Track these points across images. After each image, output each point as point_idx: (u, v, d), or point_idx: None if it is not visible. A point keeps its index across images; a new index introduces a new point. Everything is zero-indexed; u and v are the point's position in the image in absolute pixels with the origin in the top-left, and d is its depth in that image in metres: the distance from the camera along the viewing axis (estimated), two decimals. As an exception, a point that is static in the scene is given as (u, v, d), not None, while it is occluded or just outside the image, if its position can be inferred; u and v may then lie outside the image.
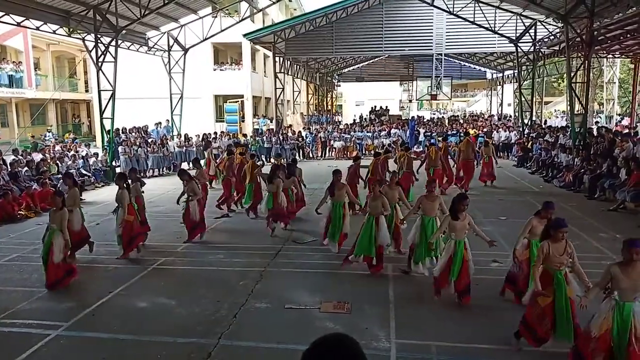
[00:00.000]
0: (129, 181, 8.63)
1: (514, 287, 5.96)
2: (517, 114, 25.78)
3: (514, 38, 21.65)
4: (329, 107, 41.65)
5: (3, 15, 13.92)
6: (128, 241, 8.12)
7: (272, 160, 18.31)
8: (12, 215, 11.06)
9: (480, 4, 20.39)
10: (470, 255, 5.89)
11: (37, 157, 14.70)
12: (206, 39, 21.18)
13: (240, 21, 21.53)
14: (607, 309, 4.08)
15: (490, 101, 41.05)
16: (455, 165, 13.94)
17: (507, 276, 6.12)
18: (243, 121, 26.80)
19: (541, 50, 22.52)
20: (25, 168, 13.43)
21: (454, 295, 5.98)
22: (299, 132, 23.30)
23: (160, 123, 22.02)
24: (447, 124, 26.56)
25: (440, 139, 19.44)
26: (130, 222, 8.09)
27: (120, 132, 19.18)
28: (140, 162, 17.48)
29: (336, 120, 35.81)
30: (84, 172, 15.42)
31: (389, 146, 21.76)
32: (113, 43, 16.45)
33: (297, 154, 21.63)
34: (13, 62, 24.88)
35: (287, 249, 8.53)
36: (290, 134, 22.53)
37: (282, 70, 26.35)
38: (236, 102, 25.99)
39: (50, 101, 25.98)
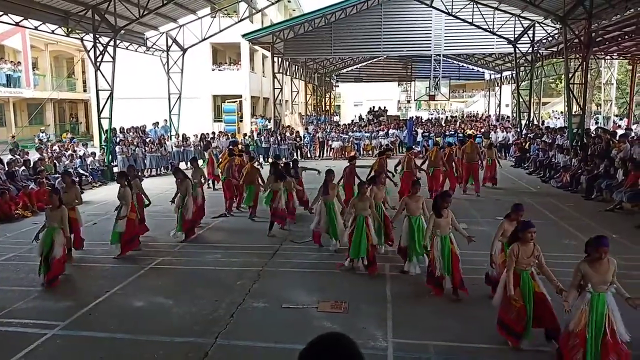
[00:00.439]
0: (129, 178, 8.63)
1: (492, 287, 6.03)
2: (515, 115, 25.82)
3: (512, 39, 21.69)
4: (327, 107, 41.66)
5: (1, 15, 13.88)
6: (129, 240, 8.13)
7: (270, 160, 18.27)
8: (9, 215, 11.03)
9: (479, 5, 20.43)
10: (457, 248, 6.14)
11: (35, 156, 14.69)
12: (205, 39, 21.17)
13: (239, 21, 21.51)
14: (584, 303, 4.18)
15: (489, 102, 41.12)
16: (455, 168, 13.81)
17: (487, 279, 6.28)
18: (241, 121, 26.79)
19: (539, 51, 22.56)
20: (23, 167, 13.40)
21: (450, 293, 6.11)
22: (297, 132, 23.29)
23: (158, 123, 22.01)
24: (443, 124, 26.59)
25: (438, 139, 19.50)
26: (133, 219, 8.13)
27: (118, 131, 19.16)
28: (137, 161, 17.44)
29: (334, 120, 35.86)
30: (81, 171, 15.38)
31: (386, 146, 21.83)
32: (111, 43, 16.42)
33: (295, 154, 21.63)
34: (11, 61, 24.84)
35: (285, 248, 8.52)
36: (288, 134, 22.54)
37: (281, 71, 26.36)
38: (234, 102, 25.99)
39: (48, 101, 25.92)
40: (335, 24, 24.44)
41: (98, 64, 16.22)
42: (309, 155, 23.12)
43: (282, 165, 10.74)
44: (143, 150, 18.17)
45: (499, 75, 35.78)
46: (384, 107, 37.71)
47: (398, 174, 11.63)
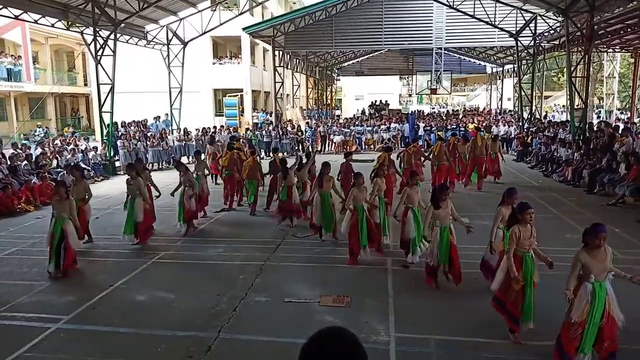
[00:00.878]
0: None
1: (488, 274, 6.09)
2: (516, 109, 25.74)
3: (514, 32, 21.57)
4: (329, 101, 41.56)
5: (1, 8, 13.82)
6: (146, 228, 8.33)
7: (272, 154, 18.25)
8: (11, 209, 11.06)
9: (481, -2, 20.30)
10: (455, 239, 6.21)
11: (38, 151, 14.71)
12: (205, 32, 21.07)
13: (239, 15, 21.40)
14: (587, 294, 4.19)
15: (490, 95, 40.97)
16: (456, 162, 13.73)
17: (482, 265, 6.36)
18: (242, 115, 26.74)
19: (541, 44, 22.43)
20: (25, 162, 13.42)
21: (445, 282, 6.28)
22: (298, 126, 23.25)
23: (159, 117, 21.98)
24: (444, 117, 26.50)
25: (440, 133, 19.44)
26: (148, 209, 8.26)
27: (120, 126, 19.14)
28: (139, 156, 17.41)
29: (335, 114, 35.78)
30: (83, 165, 15.34)
31: (388, 140, 21.81)
32: (112, 36, 16.38)
33: (296, 148, 21.62)
34: (11, 55, 24.76)
35: (287, 242, 8.54)
36: (289, 128, 22.50)
37: (282, 64, 26.28)
38: (235, 96, 25.93)
39: (49, 95, 25.88)
40: (336, 17, 24.32)
41: (99, 57, 16.18)
42: (310, 149, 23.05)
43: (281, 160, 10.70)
44: (145, 144, 18.17)
45: (500, 69, 35.63)
46: (386, 101, 37.60)
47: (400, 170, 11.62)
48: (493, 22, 21.18)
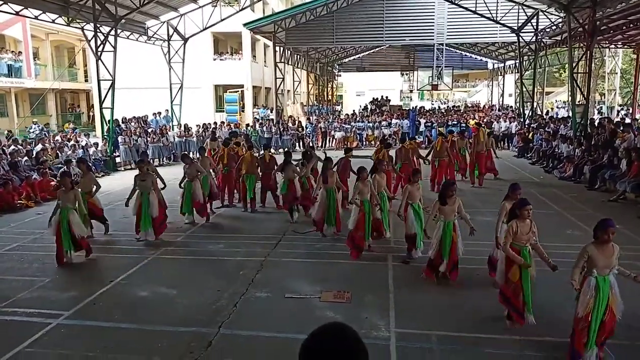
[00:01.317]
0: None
1: (493, 272, 6.09)
2: (518, 105, 25.69)
3: (515, 28, 21.48)
4: (330, 97, 41.48)
5: (1, 4, 13.79)
6: (160, 222, 8.45)
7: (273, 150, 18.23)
8: (12, 205, 11.08)
9: (482, -7, 20.21)
10: (459, 236, 6.25)
11: (39, 147, 14.69)
12: (206, 28, 21.02)
13: (240, 10, 21.34)
14: (591, 288, 4.24)
15: (492, 91, 40.86)
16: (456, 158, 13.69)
17: (489, 261, 6.41)
18: (243, 111, 26.70)
19: (543, 40, 22.34)
20: (25, 158, 13.42)
21: (444, 275, 6.29)
22: (299, 122, 23.22)
23: (159, 113, 21.95)
24: (444, 113, 26.43)
25: (441, 129, 19.38)
26: (161, 202, 8.43)
27: (120, 122, 19.12)
28: (140, 152, 17.43)
29: (336, 110, 35.71)
30: (84, 161, 15.39)
31: (389, 137, 21.75)
32: (112, 32, 16.34)
33: (297, 145, 21.60)
34: (12, 51, 24.72)
35: (288, 238, 8.54)
36: (290, 124, 22.47)
37: (283, 60, 26.20)
38: (236, 92, 25.88)
39: (50, 91, 25.86)
40: (337, 13, 24.23)
41: (99, 53, 16.15)
42: (311, 145, 23.04)
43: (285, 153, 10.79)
44: (145, 140, 18.15)
45: (502, 65, 35.51)
46: (387, 97, 37.52)
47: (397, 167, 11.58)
48: (495, 18, 21.09)
